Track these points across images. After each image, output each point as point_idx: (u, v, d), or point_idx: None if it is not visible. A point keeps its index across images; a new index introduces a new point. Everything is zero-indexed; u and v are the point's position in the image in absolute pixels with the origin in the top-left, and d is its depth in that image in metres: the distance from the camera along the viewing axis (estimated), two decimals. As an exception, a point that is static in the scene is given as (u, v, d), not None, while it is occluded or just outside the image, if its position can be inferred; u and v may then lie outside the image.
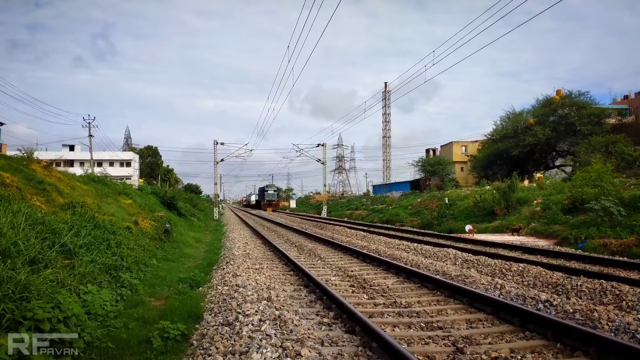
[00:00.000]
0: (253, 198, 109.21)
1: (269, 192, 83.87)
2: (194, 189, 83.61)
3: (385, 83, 66.57)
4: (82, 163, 62.54)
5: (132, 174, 73.91)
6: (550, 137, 44.71)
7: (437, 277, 8.66)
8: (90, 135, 52.95)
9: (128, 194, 19.54)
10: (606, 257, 12.12)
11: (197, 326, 6.05)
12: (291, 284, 9.04)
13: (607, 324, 5.51)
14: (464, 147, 65.73)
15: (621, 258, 12.08)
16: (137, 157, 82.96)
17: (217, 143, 47.10)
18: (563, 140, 45.87)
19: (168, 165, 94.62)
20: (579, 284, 8.05)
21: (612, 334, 5.18)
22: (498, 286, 7.83)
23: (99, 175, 22.40)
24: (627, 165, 33.02)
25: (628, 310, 6.47)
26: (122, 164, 77.96)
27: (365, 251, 13.16)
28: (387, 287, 8.49)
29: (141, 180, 59.77)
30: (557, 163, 50.21)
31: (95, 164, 54.71)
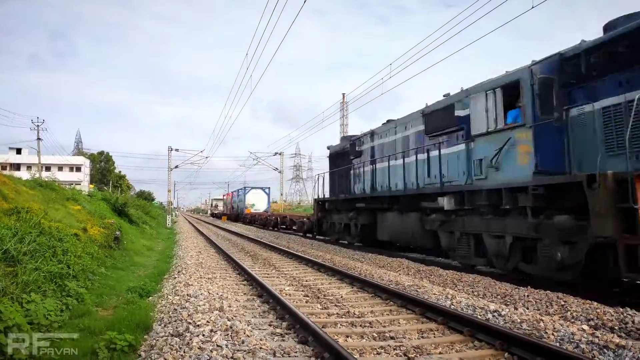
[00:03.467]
0: (254, 201, 53.28)
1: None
2: (146, 196, 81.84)
3: (343, 94, 67.06)
4: (29, 167, 60.27)
5: (83, 179, 71.74)
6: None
7: (391, 287, 8.74)
8: (38, 139, 51.25)
9: (77, 200, 18.94)
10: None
11: (145, 337, 5.88)
12: (244, 293, 8.93)
13: (553, 334, 5.67)
14: (418, 159, 66.82)
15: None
16: (88, 162, 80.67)
17: (171, 149, 46.29)
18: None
19: (120, 172, 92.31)
20: (526, 294, 8.27)
21: (558, 344, 5.33)
22: (449, 296, 7.96)
23: (46, 180, 21.63)
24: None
25: (572, 320, 6.68)
26: (71, 169, 75.64)
27: (320, 260, 13.16)
28: (341, 296, 8.50)
29: (92, 186, 58.10)
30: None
31: (43, 168, 52.84)
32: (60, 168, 70.02)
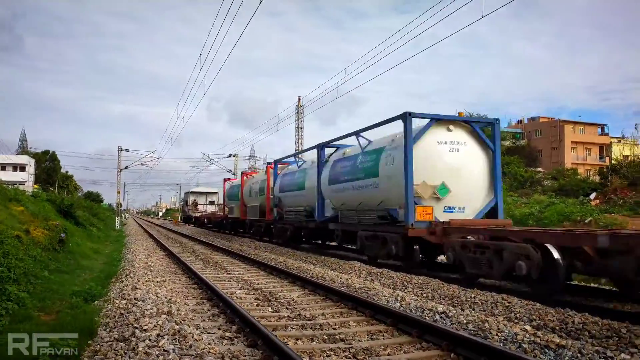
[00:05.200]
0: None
1: None
2: (94, 197, 79.39)
3: (299, 97, 67.09)
4: (-31, 166, 57.62)
5: (27, 179, 69.05)
6: (452, 156, 47.25)
7: (342, 289, 8.79)
8: (-21, 136, 48.97)
9: (20, 201, 18.22)
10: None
11: (90, 342, 5.70)
12: (194, 297, 8.80)
13: (497, 335, 5.83)
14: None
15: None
16: (32, 161, 77.72)
17: (121, 149, 45.27)
18: (463, 159, 48.57)
19: (67, 172, 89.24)
20: (472, 296, 8.47)
21: (501, 344, 5.49)
22: (399, 298, 8.07)
23: (-13, 179, 20.73)
24: (519, 184, 35.58)
25: (516, 321, 6.89)
26: (15, 169, 72.59)
27: (272, 264, 13.10)
28: (293, 299, 8.49)
29: (36, 186, 56.02)
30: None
31: (-16, 168, 50.64)
32: (3, 167, 67.26)
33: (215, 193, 53.49)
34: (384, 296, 8.33)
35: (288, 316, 7.23)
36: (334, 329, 6.46)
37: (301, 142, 70.33)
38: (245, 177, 30.29)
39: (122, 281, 10.22)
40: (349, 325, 6.70)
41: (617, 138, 70.45)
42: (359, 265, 12.91)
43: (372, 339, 6.05)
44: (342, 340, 5.89)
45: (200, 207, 51.57)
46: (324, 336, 6.05)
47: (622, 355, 4.99)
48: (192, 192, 54.89)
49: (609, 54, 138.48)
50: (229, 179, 38.46)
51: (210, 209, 50.07)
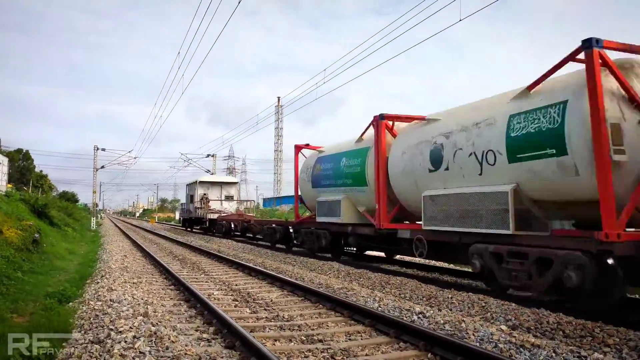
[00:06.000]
0: None
1: None
2: (70, 197, 78.01)
3: (278, 97, 67.04)
4: (-61, 165, 56.18)
5: (0, 178, 67.67)
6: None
7: (320, 290, 8.79)
8: (-50, 134, 47.82)
9: (-8, 201, 17.88)
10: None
11: (64, 344, 5.61)
12: (171, 298, 8.71)
13: (474, 334, 5.89)
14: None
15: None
16: (5, 160, 76.18)
17: (97, 149, 44.67)
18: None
19: (41, 171, 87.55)
20: (449, 296, 8.55)
21: (478, 344, 5.55)
22: (377, 299, 8.10)
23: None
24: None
25: (492, 321, 6.97)
26: (-13, 168, 71.09)
27: (251, 264, 13.04)
28: (271, 300, 8.46)
29: (10, 185, 54.91)
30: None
31: (-45, 166, 49.45)
32: (-26, 166, 65.75)
33: (234, 184, 37.92)
34: (362, 297, 8.35)
35: (266, 317, 7.19)
36: (312, 329, 6.45)
37: (281, 143, 70.27)
38: (396, 129, 12.72)
39: (98, 282, 10.07)
40: (327, 325, 6.69)
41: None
42: (338, 266, 12.94)
43: (350, 339, 6.06)
44: (320, 340, 5.89)
45: (212, 205, 34.16)
46: (302, 337, 6.04)
47: (596, 354, 5.08)
48: (201, 183, 35.79)
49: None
50: (307, 145, 18.94)
51: (230, 207, 34.75)
